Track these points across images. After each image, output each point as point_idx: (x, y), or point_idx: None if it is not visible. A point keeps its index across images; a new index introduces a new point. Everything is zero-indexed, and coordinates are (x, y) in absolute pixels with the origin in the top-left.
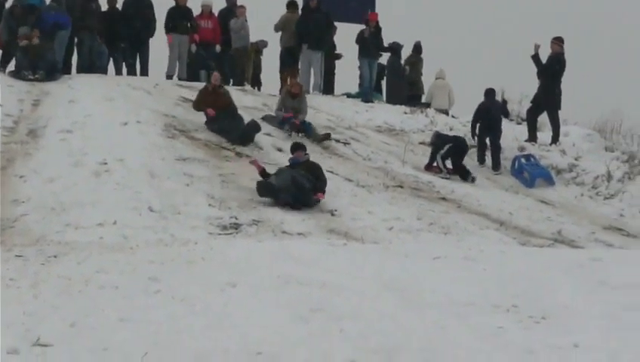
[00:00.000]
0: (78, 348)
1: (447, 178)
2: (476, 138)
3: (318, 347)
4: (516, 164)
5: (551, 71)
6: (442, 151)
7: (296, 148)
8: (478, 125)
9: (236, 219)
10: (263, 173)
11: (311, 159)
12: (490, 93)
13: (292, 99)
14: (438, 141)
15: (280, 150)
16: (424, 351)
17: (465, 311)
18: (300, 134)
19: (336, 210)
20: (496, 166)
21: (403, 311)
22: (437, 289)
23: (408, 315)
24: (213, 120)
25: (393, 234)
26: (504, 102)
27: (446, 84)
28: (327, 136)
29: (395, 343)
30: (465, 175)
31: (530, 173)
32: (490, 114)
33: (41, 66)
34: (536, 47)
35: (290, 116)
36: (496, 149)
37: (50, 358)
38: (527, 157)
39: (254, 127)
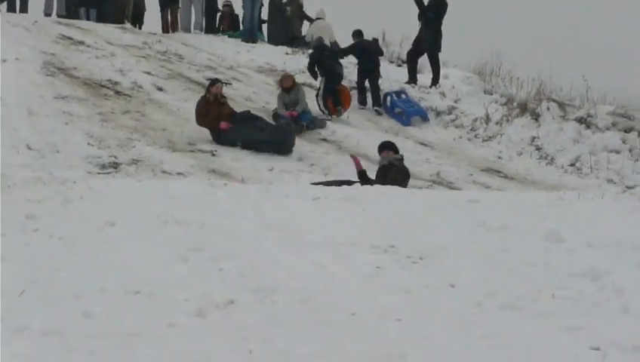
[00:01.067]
0: None
1: (329, 119)
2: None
3: (196, 286)
4: (388, 101)
5: (432, 13)
6: (320, 91)
7: (384, 147)
8: (357, 67)
9: (115, 158)
10: (362, 174)
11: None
12: (358, 33)
13: (287, 94)
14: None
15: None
16: (303, 290)
17: (344, 251)
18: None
19: (216, 151)
20: (376, 102)
21: (282, 250)
22: (316, 230)
23: (288, 255)
24: (229, 132)
25: (274, 175)
26: (375, 40)
27: (326, 24)
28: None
29: (275, 283)
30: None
31: (405, 111)
32: (369, 54)
33: None
34: None
35: (294, 115)
36: (376, 88)
37: None
38: (399, 93)
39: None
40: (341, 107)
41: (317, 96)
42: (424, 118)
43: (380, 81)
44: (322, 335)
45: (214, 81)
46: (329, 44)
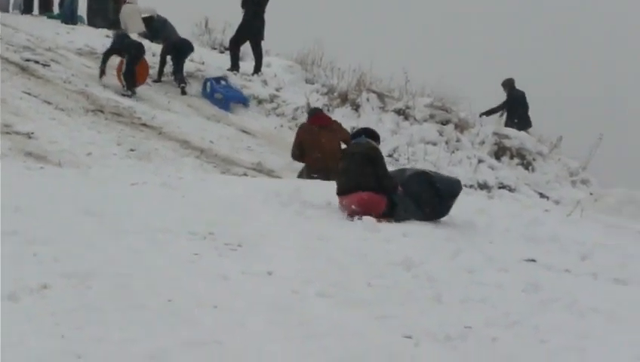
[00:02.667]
0: None
1: (128, 95)
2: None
3: (10, 270)
4: (207, 87)
5: (255, 1)
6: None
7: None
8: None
9: None
10: None
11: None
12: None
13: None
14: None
15: None
16: (119, 276)
17: (162, 238)
18: None
19: (33, 133)
20: (178, 80)
21: (99, 236)
22: (134, 215)
23: (104, 240)
24: None
25: (92, 159)
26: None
27: (136, 8)
28: None
29: (90, 268)
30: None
31: (225, 96)
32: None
33: None
34: None
35: None
36: (181, 64)
37: None
38: (218, 80)
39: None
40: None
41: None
42: (244, 104)
43: (202, 66)
44: (137, 321)
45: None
46: (137, 31)
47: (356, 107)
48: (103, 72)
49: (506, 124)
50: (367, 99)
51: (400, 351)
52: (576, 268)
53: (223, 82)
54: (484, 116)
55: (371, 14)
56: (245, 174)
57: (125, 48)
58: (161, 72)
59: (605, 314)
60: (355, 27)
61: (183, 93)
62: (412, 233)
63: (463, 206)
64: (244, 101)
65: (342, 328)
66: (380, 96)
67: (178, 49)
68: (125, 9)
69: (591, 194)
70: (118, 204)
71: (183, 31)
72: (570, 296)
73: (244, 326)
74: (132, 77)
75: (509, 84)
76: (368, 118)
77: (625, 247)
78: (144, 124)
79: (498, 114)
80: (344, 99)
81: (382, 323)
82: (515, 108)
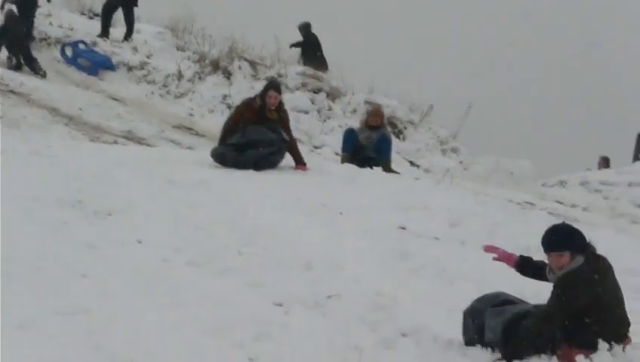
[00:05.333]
0: None
1: (14, 69)
2: None
3: None
4: (69, 52)
5: None
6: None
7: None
8: None
9: None
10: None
11: None
12: None
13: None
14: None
15: None
16: None
17: (30, 206)
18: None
19: None
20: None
21: None
22: (2, 184)
23: None
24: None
25: None
26: None
27: None
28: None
29: None
30: (34, 67)
31: (91, 61)
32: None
33: None
34: None
35: None
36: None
37: None
38: (76, 43)
39: None
40: None
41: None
42: (111, 68)
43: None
44: (5, 290)
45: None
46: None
47: (228, 75)
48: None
49: (305, 64)
50: (239, 67)
51: (270, 319)
52: (445, 235)
53: (82, 45)
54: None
55: None
56: (115, 142)
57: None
58: None
59: (474, 281)
60: None
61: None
62: (284, 203)
63: (335, 174)
64: (110, 65)
65: (212, 296)
66: (252, 64)
67: None
68: None
69: (460, 162)
70: None
71: None
72: (438, 264)
73: (113, 295)
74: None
75: (305, 28)
76: (240, 85)
77: (493, 215)
78: (12, 91)
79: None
80: (216, 66)
81: (253, 291)
82: (312, 50)
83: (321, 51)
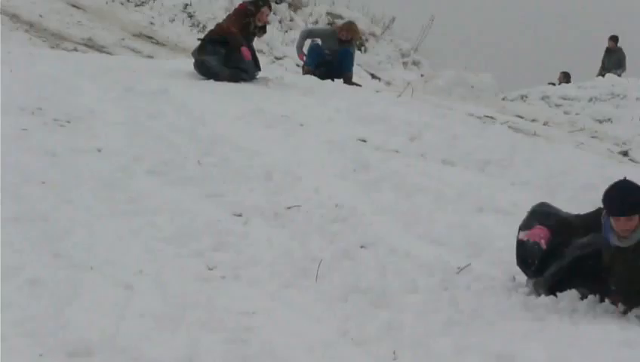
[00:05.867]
0: None
1: None
2: None
3: None
4: None
5: None
6: None
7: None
8: None
9: None
10: None
11: None
12: None
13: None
14: None
15: None
16: None
17: None
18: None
19: None
20: None
21: None
22: None
23: None
24: None
25: None
26: None
27: None
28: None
29: None
30: None
31: None
32: None
33: None
34: None
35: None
36: None
37: None
38: None
39: None
40: None
41: None
42: None
43: None
44: None
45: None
46: None
47: None
48: None
49: None
50: None
51: (229, 228)
52: (405, 148)
53: None
54: None
55: None
56: (75, 49)
57: None
58: None
59: (433, 194)
60: None
61: None
62: (244, 113)
63: (296, 86)
64: None
65: (172, 205)
66: None
67: None
68: None
69: (422, 75)
70: None
71: None
72: (398, 176)
73: (71, 201)
74: None
75: None
76: None
77: (453, 128)
78: None
79: None
80: None
81: (212, 201)
82: None
83: None
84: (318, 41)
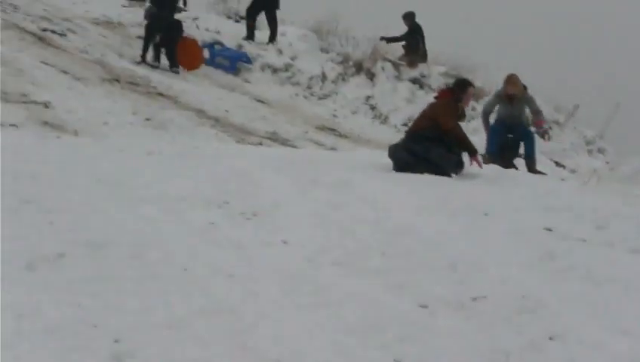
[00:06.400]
0: None
1: (156, 66)
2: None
3: (27, 239)
4: (205, 53)
5: None
6: (156, 40)
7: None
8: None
9: None
10: None
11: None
12: None
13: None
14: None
15: None
16: (135, 245)
17: (177, 207)
18: None
19: (50, 102)
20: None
21: (115, 205)
22: (150, 185)
23: (120, 210)
24: None
25: (108, 128)
26: None
27: None
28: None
29: (106, 237)
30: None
31: (230, 58)
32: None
33: None
34: None
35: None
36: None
37: None
38: (212, 45)
39: None
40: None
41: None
42: (247, 62)
43: (218, 35)
44: (153, 290)
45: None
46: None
47: (371, 76)
48: (143, 59)
49: (406, 54)
50: (383, 68)
51: (415, 320)
52: (592, 237)
53: (217, 46)
54: (385, 41)
55: None
56: (260, 143)
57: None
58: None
59: (622, 283)
60: None
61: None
62: (427, 203)
63: (479, 175)
64: (246, 59)
65: (356, 297)
66: (395, 65)
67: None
68: None
69: (607, 163)
70: (134, 173)
71: (199, 0)
72: (585, 266)
73: (258, 294)
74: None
75: (410, 17)
76: (383, 87)
77: None
78: (160, 94)
79: (400, 43)
80: (359, 68)
81: (397, 292)
82: (416, 40)
83: (424, 43)
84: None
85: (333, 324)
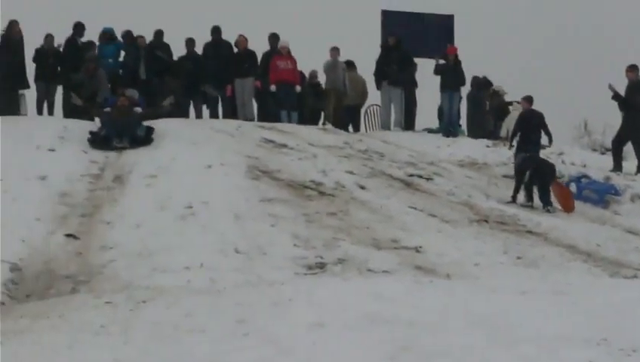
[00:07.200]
0: None
1: (529, 206)
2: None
3: None
4: (572, 187)
5: (632, 101)
6: (526, 180)
7: None
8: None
9: (321, 258)
10: None
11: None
12: (528, 99)
13: None
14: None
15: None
16: None
17: (555, 345)
18: None
19: (421, 247)
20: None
21: (492, 346)
22: (525, 324)
23: (497, 351)
24: None
25: (479, 269)
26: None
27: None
28: None
29: None
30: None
31: (598, 191)
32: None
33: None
34: (611, 88)
35: None
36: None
37: None
38: (579, 178)
39: None
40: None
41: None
42: (616, 194)
43: (584, 169)
44: None
45: None
46: None
47: None
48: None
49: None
50: None
51: None
52: None
53: (584, 179)
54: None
55: None
56: (635, 276)
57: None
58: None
59: None
60: None
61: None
62: None
63: None
64: (615, 191)
65: None
66: None
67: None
68: (513, 114)
69: None
70: (509, 312)
71: (563, 134)
72: None
73: None
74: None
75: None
76: None
77: None
78: (529, 231)
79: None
80: None
81: None
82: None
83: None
84: None
85: None
